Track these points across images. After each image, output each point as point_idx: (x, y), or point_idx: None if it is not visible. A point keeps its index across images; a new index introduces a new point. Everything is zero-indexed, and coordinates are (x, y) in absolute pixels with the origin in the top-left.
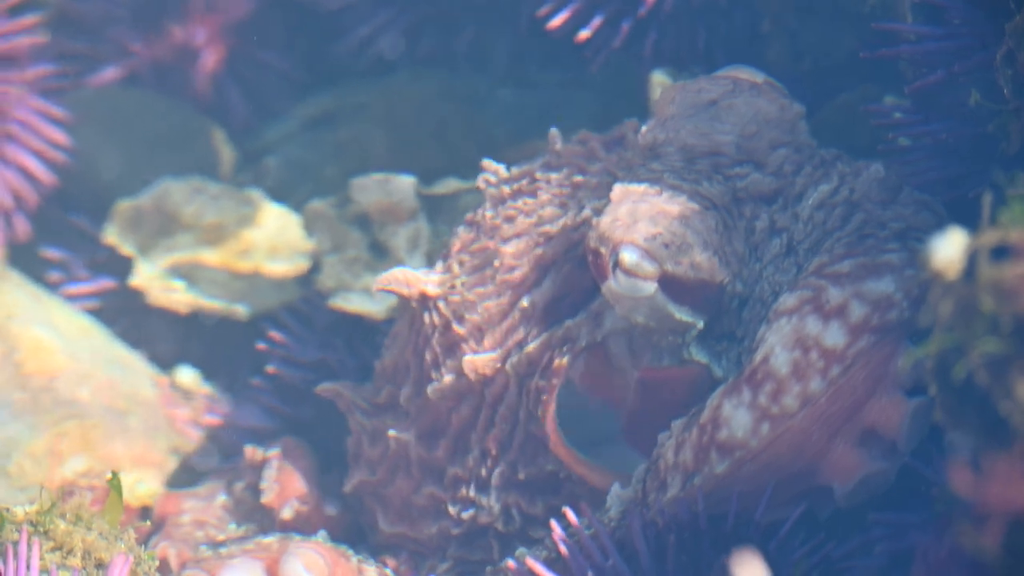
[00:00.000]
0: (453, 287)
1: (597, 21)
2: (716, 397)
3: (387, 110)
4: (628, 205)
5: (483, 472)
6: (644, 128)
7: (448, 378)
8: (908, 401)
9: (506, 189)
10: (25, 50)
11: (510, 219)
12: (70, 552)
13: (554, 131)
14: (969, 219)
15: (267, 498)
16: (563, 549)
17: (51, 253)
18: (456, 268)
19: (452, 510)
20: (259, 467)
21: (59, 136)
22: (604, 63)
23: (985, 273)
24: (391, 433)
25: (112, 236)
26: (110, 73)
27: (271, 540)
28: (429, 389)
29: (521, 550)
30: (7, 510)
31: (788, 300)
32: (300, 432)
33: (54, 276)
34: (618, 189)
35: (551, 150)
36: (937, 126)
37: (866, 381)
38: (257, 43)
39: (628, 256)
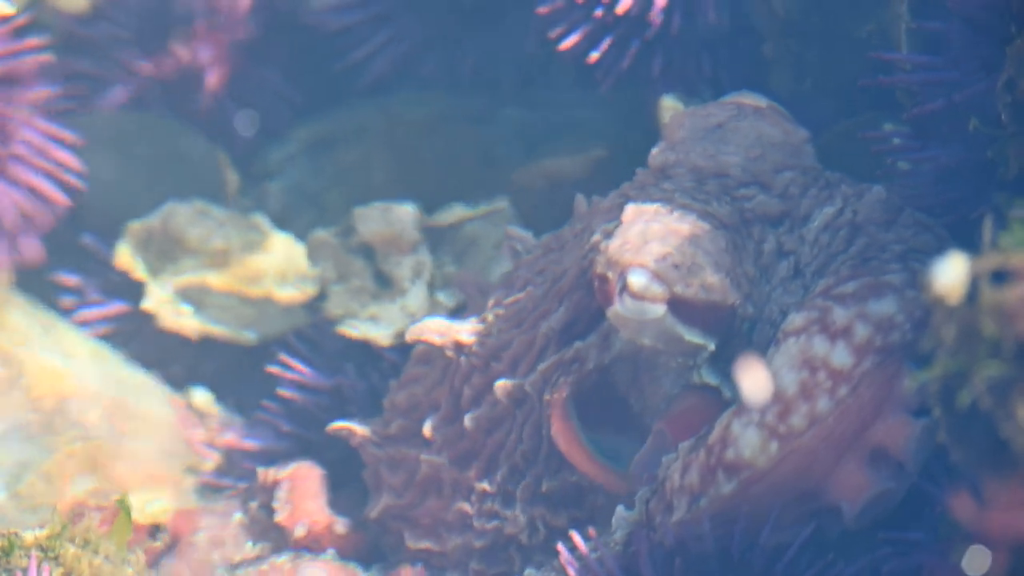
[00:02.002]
0: (491, 334)
1: (606, 43)
2: (725, 417)
3: (390, 133)
4: (640, 225)
5: (509, 486)
6: (655, 150)
7: (485, 407)
8: (914, 422)
9: (539, 254)
10: (29, 71)
11: (542, 271)
12: None
13: (580, 197)
14: (970, 241)
15: (280, 518)
16: (570, 572)
17: (64, 278)
18: (491, 318)
19: (478, 523)
20: (272, 488)
21: (68, 158)
22: (614, 84)
23: (987, 297)
24: (424, 457)
25: (124, 258)
26: (118, 95)
27: (283, 561)
28: (467, 418)
29: (529, 571)
30: (16, 535)
31: (796, 320)
32: (311, 452)
33: (67, 301)
34: (630, 209)
35: (576, 214)
36: (936, 152)
37: (872, 401)
38: (260, 64)
39: (636, 279)
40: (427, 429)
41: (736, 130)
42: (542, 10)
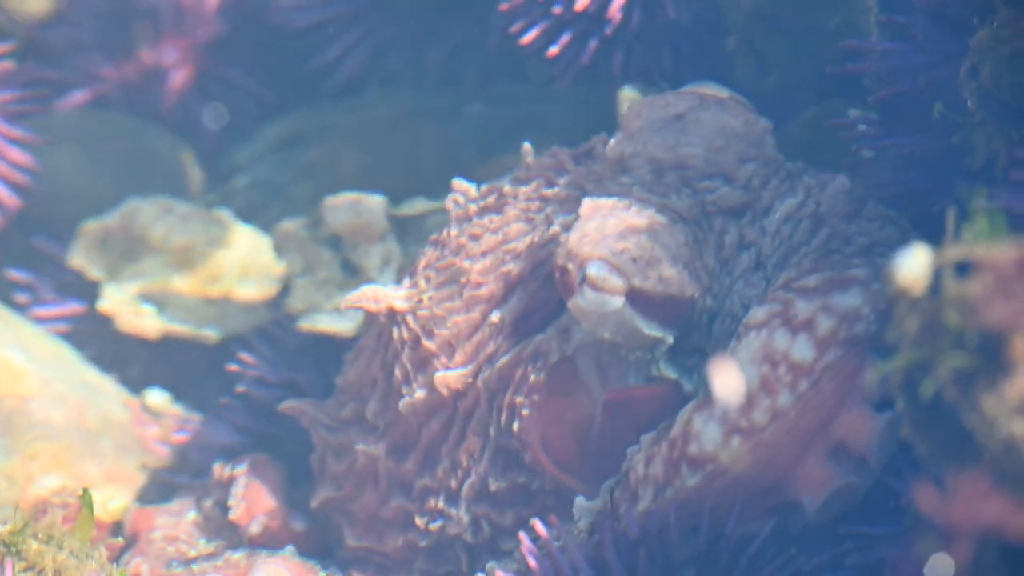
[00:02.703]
0: (420, 302)
1: (565, 39)
2: (687, 412)
3: (357, 129)
4: (597, 220)
5: (453, 484)
6: (612, 141)
7: (420, 393)
8: (877, 416)
9: (472, 207)
10: None
11: (476, 237)
12: (41, 572)
13: (527, 145)
14: (933, 233)
15: (234, 515)
16: (532, 562)
17: (17, 275)
18: (423, 284)
19: (420, 522)
20: (227, 484)
21: (24, 158)
22: (574, 78)
23: (950, 289)
24: (360, 447)
25: (78, 259)
26: (78, 97)
27: (239, 556)
28: (400, 404)
29: (491, 564)
30: None
31: (757, 314)
32: (270, 448)
33: (21, 298)
34: (587, 204)
35: (523, 164)
36: (902, 139)
37: (835, 394)
38: (226, 63)
39: (595, 271)
40: (370, 413)
41: (698, 121)
42: (503, 7)
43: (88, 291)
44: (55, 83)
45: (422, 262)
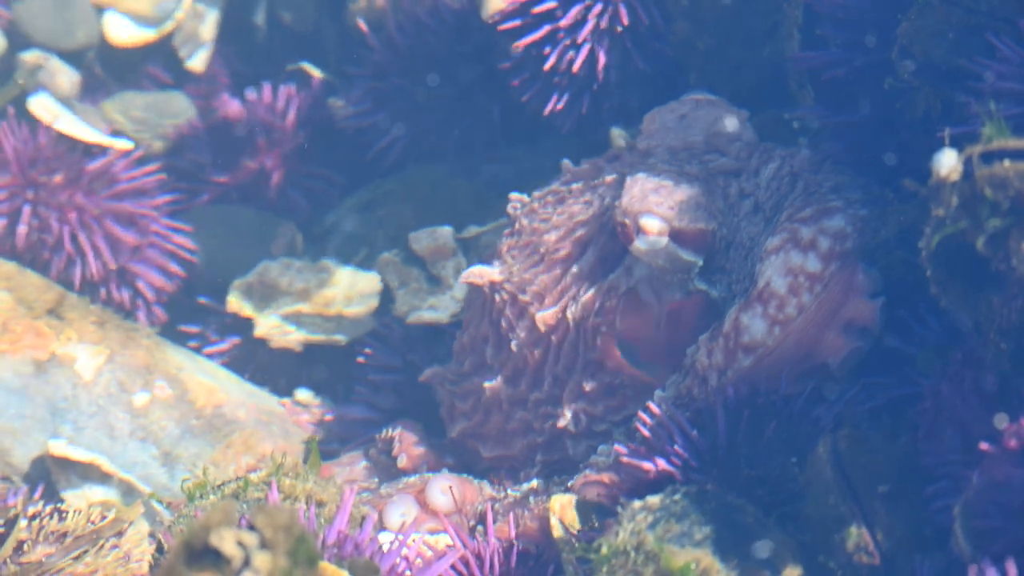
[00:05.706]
0: (512, 272)
1: (567, 96)
2: (733, 312)
3: (410, 191)
4: (639, 186)
5: (556, 392)
6: (640, 139)
7: (523, 333)
8: (872, 301)
9: (536, 204)
10: (151, 186)
11: (546, 220)
12: (295, 499)
13: (566, 162)
14: (877, 172)
15: (401, 462)
16: (645, 432)
17: (188, 328)
18: (509, 260)
19: (536, 424)
20: (389, 441)
21: (185, 241)
22: (572, 125)
23: (981, 172)
24: (486, 384)
25: (234, 304)
26: (206, 198)
27: (414, 480)
28: (512, 344)
29: (602, 447)
30: (246, 478)
31: (773, 240)
32: (392, 418)
33: (192, 344)
34: (628, 179)
35: (565, 171)
36: (841, 116)
37: (840, 292)
38: (308, 161)
39: (646, 221)
40: (488, 358)
41: (696, 118)
42: (514, 83)
43: (241, 328)
44: (188, 191)
45: (504, 246)
